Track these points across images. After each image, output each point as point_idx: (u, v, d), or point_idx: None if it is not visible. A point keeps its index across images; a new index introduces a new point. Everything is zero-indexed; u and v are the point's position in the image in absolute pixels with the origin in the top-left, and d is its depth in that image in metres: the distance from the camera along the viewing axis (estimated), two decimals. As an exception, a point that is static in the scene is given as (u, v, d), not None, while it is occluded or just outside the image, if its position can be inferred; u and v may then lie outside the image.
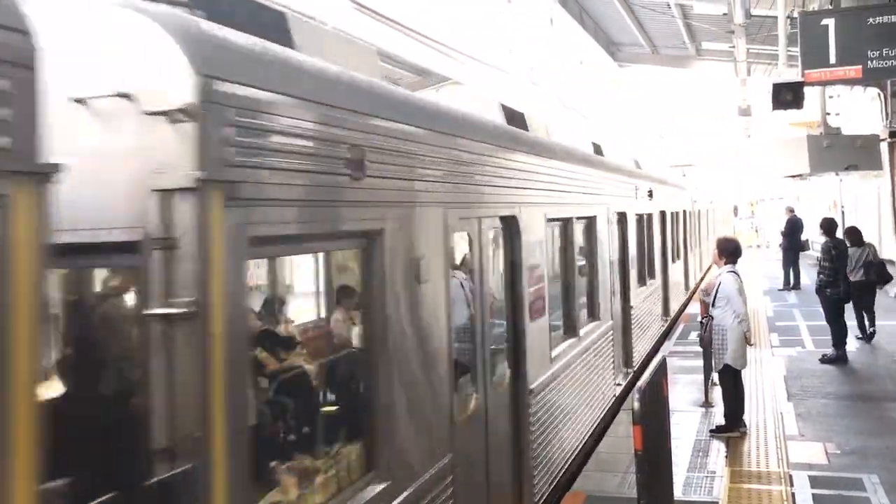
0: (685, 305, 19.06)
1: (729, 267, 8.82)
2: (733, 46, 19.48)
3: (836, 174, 18.62)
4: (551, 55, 23.73)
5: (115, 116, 2.54)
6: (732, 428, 8.57)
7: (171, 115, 2.49)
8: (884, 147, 17.50)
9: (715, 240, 9.96)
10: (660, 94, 38.34)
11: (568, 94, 25.67)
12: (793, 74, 9.98)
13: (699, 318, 9.74)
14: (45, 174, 1.88)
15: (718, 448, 8.19)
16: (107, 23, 2.66)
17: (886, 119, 18.44)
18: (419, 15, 15.73)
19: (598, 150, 10.62)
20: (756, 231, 47.29)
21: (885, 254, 20.36)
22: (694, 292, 21.20)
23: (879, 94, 18.47)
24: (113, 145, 2.54)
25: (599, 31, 24.40)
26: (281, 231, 3.02)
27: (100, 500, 2.26)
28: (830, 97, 19.07)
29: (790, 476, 7.26)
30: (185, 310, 2.45)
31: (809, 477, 7.23)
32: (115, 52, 2.60)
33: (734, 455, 7.94)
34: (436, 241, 4.41)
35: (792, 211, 23.48)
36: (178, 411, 2.44)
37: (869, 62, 9.19)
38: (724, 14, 16.98)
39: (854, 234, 13.07)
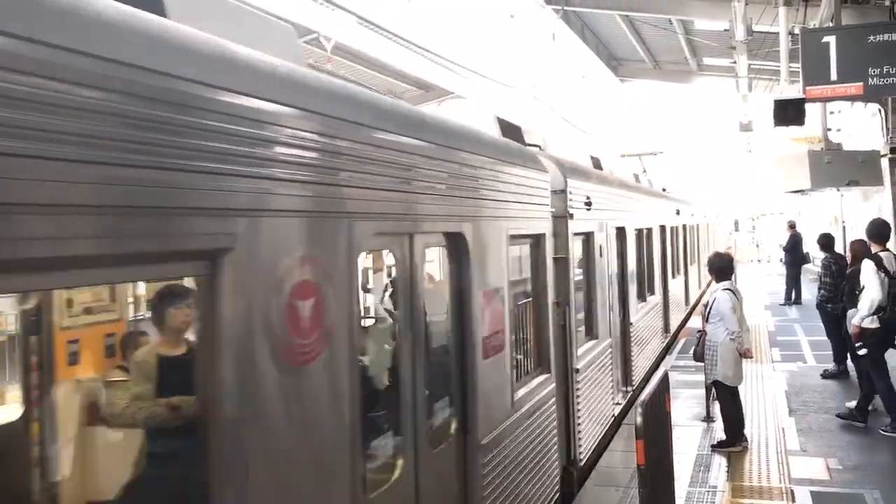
0: (680, 327, 17.56)
1: (724, 284, 8.85)
2: (735, 62, 19.58)
3: (838, 190, 18.68)
4: (554, 70, 23.89)
5: None
6: (734, 442, 8.58)
7: None
8: (884, 163, 17.55)
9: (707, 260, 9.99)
10: (661, 109, 38.52)
11: (570, 108, 25.79)
12: (794, 91, 10.05)
13: (696, 332, 9.78)
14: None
15: (720, 463, 8.20)
16: None
17: (887, 135, 18.50)
18: (423, 30, 15.84)
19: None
20: (757, 246, 47.32)
21: (886, 269, 20.33)
22: (690, 314, 19.55)
23: (880, 111, 18.54)
24: None
25: (601, 46, 24.53)
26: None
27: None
28: (832, 113, 19.11)
29: (792, 491, 7.27)
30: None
31: (811, 492, 7.24)
32: None
33: (735, 470, 7.95)
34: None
35: (793, 226, 23.49)
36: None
37: (870, 79, 9.25)
38: (726, 30, 17.08)
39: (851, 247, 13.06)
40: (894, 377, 9.39)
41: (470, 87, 17.37)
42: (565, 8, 18.21)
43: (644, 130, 38.57)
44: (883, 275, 8.99)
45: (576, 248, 7.96)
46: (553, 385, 6.64)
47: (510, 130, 6.72)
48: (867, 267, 9.11)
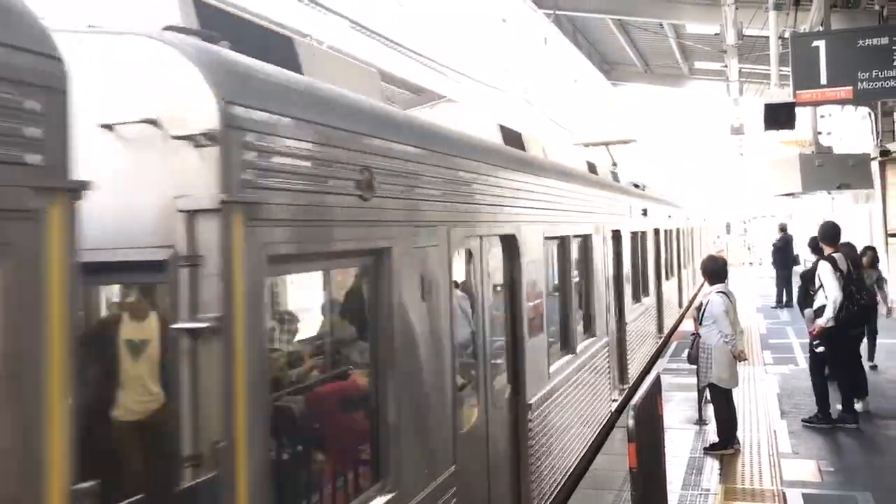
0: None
1: (718, 287, 8.88)
2: (726, 66, 19.67)
3: (829, 193, 18.80)
4: (546, 74, 23.95)
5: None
6: (726, 445, 8.60)
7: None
8: (874, 166, 17.67)
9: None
10: (653, 112, 38.66)
11: (563, 112, 25.86)
12: (784, 95, 10.08)
13: (690, 334, 9.81)
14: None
15: (712, 466, 8.21)
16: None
17: (877, 138, 18.63)
18: (416, 34, 15.88)
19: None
20: (749, 249, 47.50)
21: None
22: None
23: (870, 114, 18.67)
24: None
25: (593, 50, 24.60)
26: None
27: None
28: (822, 117, 19.23)
29: (784, 494, 7.28)
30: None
31: (803, 494, 7.25)
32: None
33: (728, 473, 7.96)
34: None
35: (784, 229, 23.59)
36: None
37: (859, 83, 9.31)
38: (717, 34, 17.16)
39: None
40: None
41: (462, 90, 17.39)
42: (557, 12, 18.26)
43: (637, 133, 38.68)
44: (838, 275, 9.20)
45: (298, 292, 3.94)
46: None
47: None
48: (825, 268, 9.35)
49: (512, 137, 7.06)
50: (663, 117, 40.52)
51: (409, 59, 15.69)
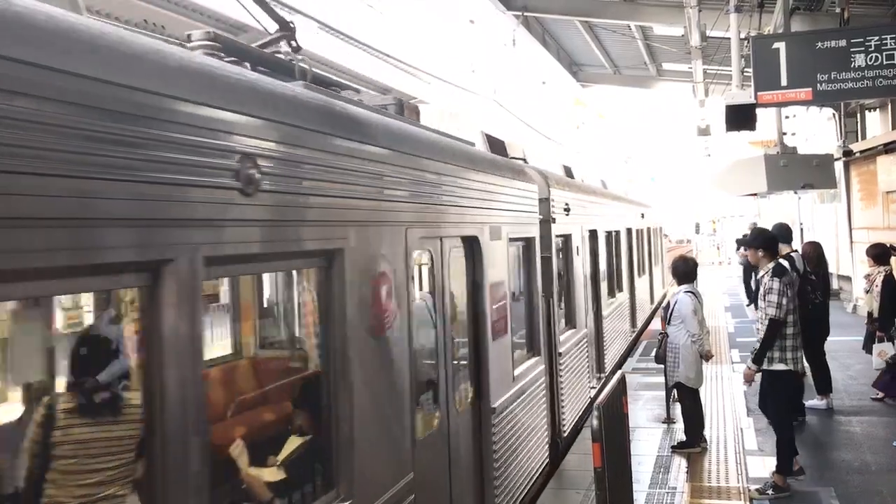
0: None
1: (686, 287, 8.97)
2: (691, 67, 19.89)
3: (795, 192, 19.07)
4: (514, 75, 24.03)
5: None
6: (693, 444, 8.67)
7: None
8: (839, 166, 17.96)
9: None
10: (622, 113, 38.96)
11: (532, 113, 25.95)
12: (746, 96, 10.22)
13: (658, 334, 9.88)
14: None
15: (679, 464, 8.27)
16: None
17: (841, 138, 18.95)
18: (384, 34, 15.84)
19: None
20: (717, 248, 48.06)
21: (841, 269, 20.85)
22: None
23: (834, 115, 18.98)
24: None
25: (562, 51, 24.73)
26: None
27: None
28: (787, 117, 19.51)
29: (749, 490, 7.35)
30: None
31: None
32: None
33: (694, 471, 8.02)
34: None
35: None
36: None
37: (818, 84, 9.47)
38: (683, 36, 17.35)
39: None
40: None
41: (431, 91, 17.38)
42: (525, 14, 18.33)
43: (608, 134, 38.97)
44: (795, 275, 9.40)
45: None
46: None
47: None
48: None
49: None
50: (631, 115, 40.85)
51: (377, 60, 15.63)
